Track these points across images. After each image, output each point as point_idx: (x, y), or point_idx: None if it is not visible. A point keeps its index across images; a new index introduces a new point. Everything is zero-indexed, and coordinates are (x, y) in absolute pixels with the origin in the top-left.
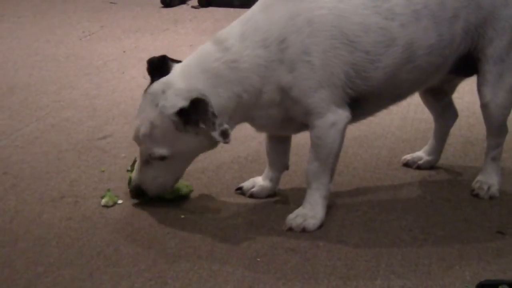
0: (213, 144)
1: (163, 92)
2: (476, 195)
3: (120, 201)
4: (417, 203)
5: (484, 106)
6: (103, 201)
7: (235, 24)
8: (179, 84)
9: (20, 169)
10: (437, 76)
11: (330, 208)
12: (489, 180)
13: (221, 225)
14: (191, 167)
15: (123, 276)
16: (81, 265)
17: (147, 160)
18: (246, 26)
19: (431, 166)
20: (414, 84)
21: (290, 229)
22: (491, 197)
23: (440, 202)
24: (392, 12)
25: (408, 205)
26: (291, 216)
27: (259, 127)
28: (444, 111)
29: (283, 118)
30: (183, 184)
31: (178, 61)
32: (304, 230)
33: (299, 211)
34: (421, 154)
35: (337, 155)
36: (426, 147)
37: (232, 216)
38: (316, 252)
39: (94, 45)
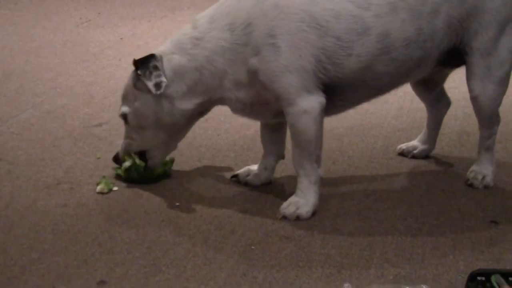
0: (172, 109)
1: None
2: (471, 185)
3: (115, 188)
4: (411, 193)
5: (473, 99)
6: (98, 187)
7: (210, 8)
8: (155, 51)
9: (15, 156)
10: (421, 69)
11: (325, 196)
12: (483, 170)
13: (215, 213)
14: (187, 155)
15: (117, 263)
16: (75, 252)
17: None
18: (217, 10)
19: (426, 155)
20: (394, 77)
21: (284, 217)
22: (486, 187)
23: (435, 191)
24: (367, 2)
25: (402, 195)
26: (284, 205)
27: (233, 110)
28: (436, 100)
29: (254, 102)
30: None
31: None
32: (298, 218)
33: (292, 199)
34: (416, 143)
35: (316, 141)
36: (421, 136)
37: (227, 204)
38: (311, 240)
39: (91, 32)
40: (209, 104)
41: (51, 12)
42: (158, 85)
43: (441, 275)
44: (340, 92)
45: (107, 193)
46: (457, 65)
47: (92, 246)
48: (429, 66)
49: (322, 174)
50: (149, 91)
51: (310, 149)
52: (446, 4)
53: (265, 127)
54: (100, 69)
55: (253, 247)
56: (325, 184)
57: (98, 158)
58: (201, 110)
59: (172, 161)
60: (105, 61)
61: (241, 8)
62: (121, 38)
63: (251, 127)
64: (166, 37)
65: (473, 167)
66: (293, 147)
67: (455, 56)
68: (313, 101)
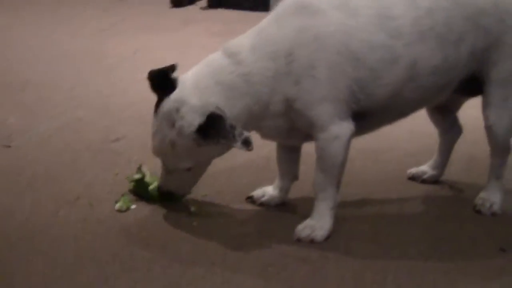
0: (230, 147)
1: (177, 110)
2: (479, 211)
3: (133, 206)
4: (422, 218)
5: (488, 128)
6: (117, 205)
7: (246, 36)
8: (192, 100)
9: (34, 169)
10: (441, 95)
11: (338, 219)
12: (491, 198)
13: (232, 232)
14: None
15: (138, 281)
16: (97, 269)
17: (170, 170)
18: (257, 38)
19: (435, 180)
20: (418, 103)
21: (299, 240)
22: (493, 214)
23: (445, 217)
24: (398, 31)
25: (414, 220)
26: (300, 227)
27: (265, 136)
28: (449, 127)
29: (289, 128)
30: None
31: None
32: (312, 241)
33: (308, 222)
34: (426, 169)
35: (342, 167)
36: (431, 162)
37: (242, 224)
38: (325, 263)
39: (106, 43)
40: (247, 129)
41: (65, 22)
42: (246, 142)
43: None
44: (368, 118)
45: (125, 211)
46: (474, 94)
47: (113, 264)
48: (449, 92)
49: (338, 200)
50: (216, 143)
51: (335, 173)
52: (472, 34)
53: (281, 149)
54: (116, 81)
55: (269, 268)
56: (338, 206)
57: (116, 174)
58: None
59: None
60: (121, 73)
61: (283, 37)
62: (136, 50)
63: (265, 147)
64: (180, 52)
65: (482, 194)
66: (316, 171)
67: (473, 84)
68: (345, 128)
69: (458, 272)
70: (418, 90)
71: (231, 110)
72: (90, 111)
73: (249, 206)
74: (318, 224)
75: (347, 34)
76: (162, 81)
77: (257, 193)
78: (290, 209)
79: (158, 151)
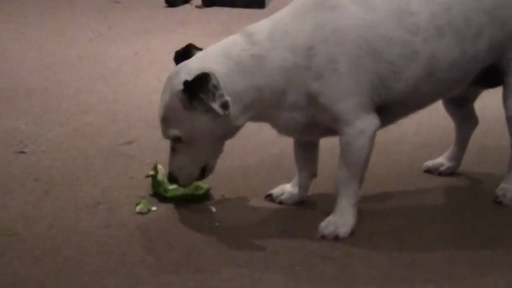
0: (228, 125)
1: (177, 72)
2: (500, 203)
3: (154, 208)
4: (443, 211)
5: (508, 119)
6: (138, 208)
7: (264, 22)
8: (193, 64)
9: (50, 175)
10: (459, 88)
11: (359, 215)
12: None
13: (256, 233)
14: (218, 174)
15: (167, 285)
16: (124, 274)
17: (173, 147)
18: (275, 28)
19: (452, 172)
20: (435, 96)
21: (323, 237)
22: None
23: (465, 209)
24: (417, 27)
25: (434, 213)
26: (323, 224)
27: (281, 129)
28: (465, 118)
29: (307, 122)
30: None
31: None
32: (336, 238)
33: (330, 218)
34: (443, 161)
35: (366, 162)
36: (447, 153)
37: (265, 223)
38: (352, 260)
39: (105, 47)
40: (260, 118)
41: (62, 26)
42: (224, 105)
43: None
44: (387, 111)
45: (146, 213)
46: (492, 85)
47: (140, 268)
48: (467, 84)
49: (360, 196)
50: (204, 112)
51: (359, 168)
52: (490, 27)
53: (299, 146)
54: (119, 85)
55: (297, 268)
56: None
57: (132, 178)
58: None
59: (208, 189)
60: (123, 77)
61: (302, 30)
62: (135, 53)
63: (277, 145)
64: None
65: (503, 185)
66: (340, 166)
67: (492, 75)
68: (370, 122)
69: (485, 264)
70: (436, 84)
71: (232, 84)
72: (97, 116)
73: (268, 204)
74: (341, 220)
75: (366, 28)
76: (184, 53)
77: (276, 191)
78: (309, 206)
79: (159, 116)
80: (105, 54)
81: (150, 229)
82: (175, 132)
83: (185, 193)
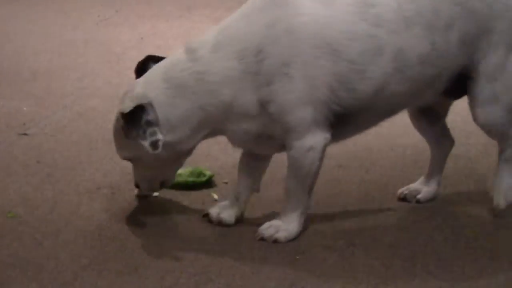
0: (176, 151)
1: (125, 94)
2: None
3: (155, 194)
4: (444, 203)
5: (481, 127)
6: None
7: (210, 32)
8: (138, 89)
9: (53, 159)
10: (431, 91)
11: (361, 206)
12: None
13: (257, 221)
14: (221, 161)
15: (167, 271)
16: (125, 259)
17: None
18: (221, 36)
19: (432, 198)
20: (406, 97)
21: (262, 239)
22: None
23: (466, 202)
24: (380, 18)
25: (436, 205)
26: (264, 226)
27: (234, 141)
28: (440, 138)
29: (260, 134)
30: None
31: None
32: (276, 241)
33: (274, 222)
34: (418, 186)
35: (315, 175)
36: (423, 178)
37: (266, 212)
38: (353, 251)
39: (111, 30)
40: (216, 134)
41: (68, 9)
42: (154, 144)
43: None
44: (353, 119)
45: (147, 198)
46: (459, 95)
47: (141, 253)
48: (439, 87)
49: (312, 206)
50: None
51: (308, 182)
52: (461, 20)
53: (247, 156)
54: (124, 69)
55: (297, 257)
56: (360, 193)
57: None
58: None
59: (211, 176)
60: (128, 61)
61: (250, 33)
62: (141, 38)
63: None
64: (185, 38)
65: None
66: (288, 178)
67: (460, 84)
68: (320, 137)
69: (485, 257)
70: (406, 83)
71: (174, 110)
72: (101, 100)
73: (270, 192)
74: (283, 225)
75: (323, 24)
76: (142, 67)
77: (212, 210)
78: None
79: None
80: (111, 38)
81: (152, 214)
82: (124, 153)
83: (187, 180)
